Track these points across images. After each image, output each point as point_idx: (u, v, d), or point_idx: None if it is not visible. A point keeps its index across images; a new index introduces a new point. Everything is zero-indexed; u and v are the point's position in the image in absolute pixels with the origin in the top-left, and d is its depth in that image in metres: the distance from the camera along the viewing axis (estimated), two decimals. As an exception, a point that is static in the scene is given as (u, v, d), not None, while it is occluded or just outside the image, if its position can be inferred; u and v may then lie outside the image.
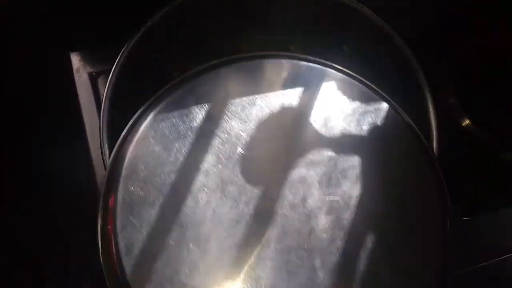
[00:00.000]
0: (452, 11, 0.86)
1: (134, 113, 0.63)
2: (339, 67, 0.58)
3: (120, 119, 0.60)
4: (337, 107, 0.57)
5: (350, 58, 0.71)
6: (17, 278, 0.98)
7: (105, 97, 0.61)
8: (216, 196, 0.50)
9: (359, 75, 0.59)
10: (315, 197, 0.52)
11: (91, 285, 0.99)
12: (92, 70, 0.79)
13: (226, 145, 0.53)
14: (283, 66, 0.57)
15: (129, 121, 0.63)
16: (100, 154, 0.72)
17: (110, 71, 0.62)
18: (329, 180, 0.53)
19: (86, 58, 0.79)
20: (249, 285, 0.48)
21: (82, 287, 0.99)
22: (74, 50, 0.79)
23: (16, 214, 1.01)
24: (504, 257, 0.72)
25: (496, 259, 0.72)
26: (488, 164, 0.77)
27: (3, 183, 1.04)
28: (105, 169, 0.57)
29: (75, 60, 0.79)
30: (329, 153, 0.54)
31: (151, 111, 0.55)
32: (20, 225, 1.01)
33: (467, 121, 0.81)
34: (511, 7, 0.80)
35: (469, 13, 0.86)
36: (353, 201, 0.53)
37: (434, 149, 0.61)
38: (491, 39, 0.85)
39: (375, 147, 0.56)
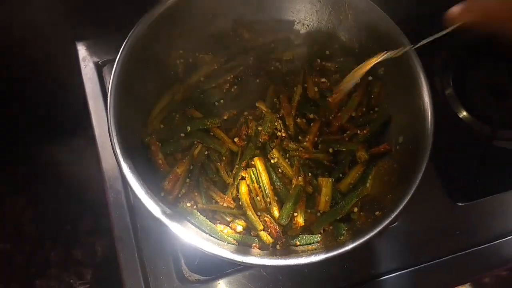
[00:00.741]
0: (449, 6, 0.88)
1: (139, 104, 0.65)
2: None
3: (126, 107, 0.62)
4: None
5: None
6: (21, 265, 0.99)
7: (111, 86, 0.62)
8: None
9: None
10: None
11: (92, 273, 1.01)
12: (98, 60, 0.81)
13: None
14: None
15: (135, 108, 0.65)
16: (105, 143, 0.75)
17: (115, 60, 0.63)
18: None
19: (92, 48, 0.81)
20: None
21: (83, 275, 1.00)
22: (80, 39, 0.81)
23: (23, 204, 1.03)
24: (498, 241, 0.74)
25: (491, 243, 0.74)
26: (483, 152, 0.78)
27: (10, 174, 1.05)
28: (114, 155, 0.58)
29: (82, 49, 0.81)
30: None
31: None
32: (26, 215, 1.02)
33: (464, 112, 0.83)
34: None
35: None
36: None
37: (430, 135, 0.62)
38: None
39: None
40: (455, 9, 0.54)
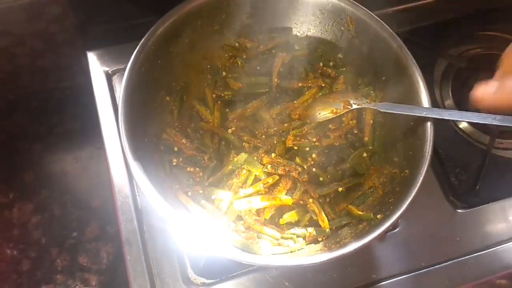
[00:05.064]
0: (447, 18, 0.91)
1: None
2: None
3: (136, 114, 0.65)
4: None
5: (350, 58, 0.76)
6: (28, 271, 1.00)
7: (122, 94, 0.64)
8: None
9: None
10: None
11: (97, 279, 1.01)
12: (108, 69, 0.83)
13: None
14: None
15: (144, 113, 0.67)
16: (114, 149, 0.77)
17: (125, 69, 0.66)
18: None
19: (103, 57, 0.84)
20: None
21: (89, 281, 1.01)
22: (91, 49, 0.84)
23: (30, 210, 1.04)
24: (498, 247, 0.75)
25: (490, 249, 0.75)
26: (482, 161, 0.80)
27: (19, 181, 1.07)
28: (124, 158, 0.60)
29: (92, 59, 0.84)
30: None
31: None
32: (33, 221, 1.04)
33: (463, 122, 0.84)
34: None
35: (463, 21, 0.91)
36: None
37: (429, 142, 0.64)
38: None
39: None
40: (481, 93, 0.51)
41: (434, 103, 0.84)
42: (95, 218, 1.06)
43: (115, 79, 0.83)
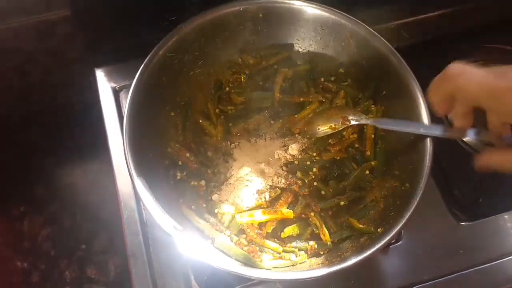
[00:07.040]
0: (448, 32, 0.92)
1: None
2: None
3: (141, 130, 0.66)
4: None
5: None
6: (37, 283, 1.02)
7: (127, 110, 0.67)
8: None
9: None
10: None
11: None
12: (115, 85, 0.86)
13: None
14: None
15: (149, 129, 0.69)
16: (120, 163, 0.79)
17: (131, 85, 0.68)
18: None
19: (110, 74, 0.86)
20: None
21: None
22: (99, 66, 0.86)
23: (40, 223, 1.07)
24: (502, 259, 0.75)
25: (494, 262, 0.75)
26: (485, 175, 0.80)
27: (29, 195, 1.10)
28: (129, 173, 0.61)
29: (100, 75, 0.86)
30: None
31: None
32: (43, 234, 1.06)
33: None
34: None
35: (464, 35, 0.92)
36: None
37: (429, 161, 0.65)
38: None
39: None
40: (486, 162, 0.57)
41: (437, 117, 0.84)
42: (103, 230, 1.08)
43: (122, 95, 0.85)
